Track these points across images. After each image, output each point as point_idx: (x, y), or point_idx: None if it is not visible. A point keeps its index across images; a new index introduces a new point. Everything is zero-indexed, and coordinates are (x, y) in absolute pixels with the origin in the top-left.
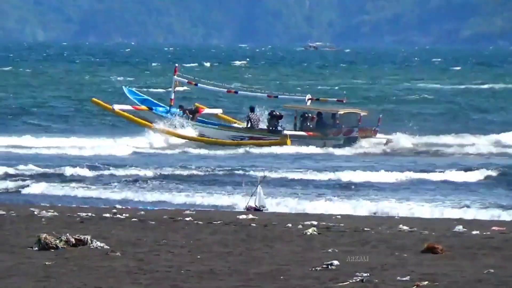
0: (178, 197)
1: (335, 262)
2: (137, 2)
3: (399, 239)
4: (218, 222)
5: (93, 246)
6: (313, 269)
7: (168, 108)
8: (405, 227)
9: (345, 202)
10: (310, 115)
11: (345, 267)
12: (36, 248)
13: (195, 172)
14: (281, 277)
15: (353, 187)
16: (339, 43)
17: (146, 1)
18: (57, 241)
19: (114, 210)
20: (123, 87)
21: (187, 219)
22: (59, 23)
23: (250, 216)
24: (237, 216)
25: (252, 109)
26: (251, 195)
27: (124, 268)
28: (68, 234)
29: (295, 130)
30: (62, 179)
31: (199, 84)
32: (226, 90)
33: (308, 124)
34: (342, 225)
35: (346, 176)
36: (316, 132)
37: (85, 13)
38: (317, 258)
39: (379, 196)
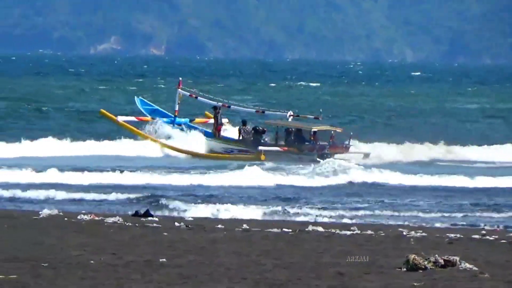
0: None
1: None
2: None
3: None
4: None
5: (461, 267)
6: None
7: (173, 118)
8: None
9: None
10: (293, 130)
11: None
12: (405, 269)
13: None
14: None
15: None
16: None
17: None
18: (426, 262)
19: (483, 232)
20: (135, 97)
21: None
22: (428, 44)
23: None
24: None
25: (244, 123)
26: None
27: None
28: (436, 255)
29: (276, 145)
30: None
31: (199, 98)
32: (221, 104)
33: (293, 139)
34: None
35: None
36: (294, 147)
37: (454, 33)
38: None
39: None
